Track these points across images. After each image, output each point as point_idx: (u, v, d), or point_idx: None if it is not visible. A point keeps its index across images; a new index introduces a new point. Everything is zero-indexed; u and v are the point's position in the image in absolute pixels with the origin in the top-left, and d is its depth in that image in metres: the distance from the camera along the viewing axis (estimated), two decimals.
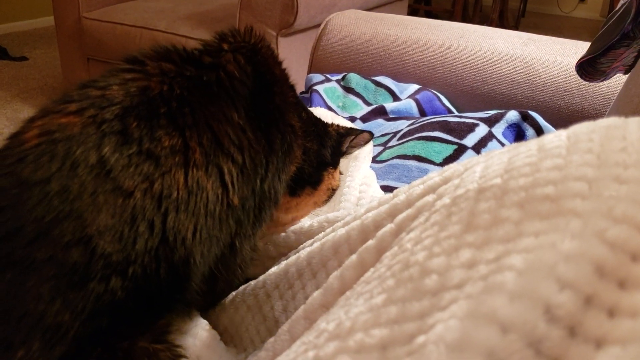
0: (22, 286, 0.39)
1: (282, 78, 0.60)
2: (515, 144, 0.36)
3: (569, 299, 0.22)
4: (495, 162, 0.33)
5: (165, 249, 0.44)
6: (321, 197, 0.70)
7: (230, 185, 0.49)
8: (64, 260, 0.40)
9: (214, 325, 0.57)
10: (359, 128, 0.89)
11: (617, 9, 0.65)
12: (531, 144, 0.33)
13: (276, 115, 0.56)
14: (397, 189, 0.44)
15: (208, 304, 0.60)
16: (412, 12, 3.70)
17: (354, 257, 0.40)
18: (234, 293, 0.58)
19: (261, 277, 0.56)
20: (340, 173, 0.74)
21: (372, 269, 0.36)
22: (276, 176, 0.57)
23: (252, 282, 0.57)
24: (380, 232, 0.39)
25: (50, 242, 0.40)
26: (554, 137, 0.31)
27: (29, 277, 0.39)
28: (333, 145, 0.68)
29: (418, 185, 0.41)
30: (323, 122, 0.70)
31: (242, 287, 0.58)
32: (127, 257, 0.42)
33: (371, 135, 0.74)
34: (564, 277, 0.22)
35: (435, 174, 0.40)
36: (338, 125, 0.71)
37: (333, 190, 0.71)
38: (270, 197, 0.57)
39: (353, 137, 0.70)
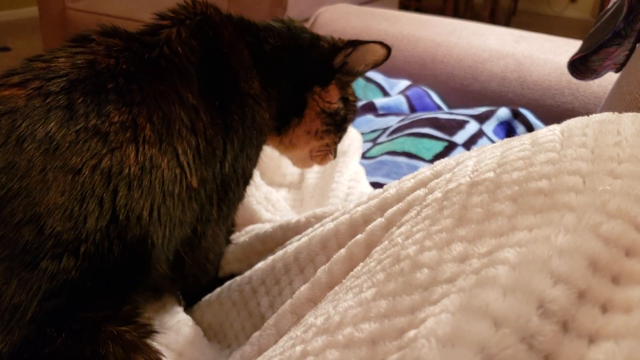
0: None
1: (233, 38, 0.57)
2: (507, 139, 0.35)
3: (563, 294, 0.21)
4: (487, 156, 0.33)
5: (117, 227, 0.43)
6: (314, 125, 0.62)
7: (186, 167, 0.48)
8: (16, 240, 0.39)
9: (198, 321, 0.56)
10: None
11: (608, 7, 0.65)
12: (524, 138, 0.32)
13: (231, 87, 0.54)
14: (387, 184, 0.44)
15: (189, 295, 0.58)
16: (403, 8, 3.70)
17: (342, 251, 0.39)
18: (219, 289, 0.57)
19: (247, 273, 0.55)
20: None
21: (361, 264, 0.35)
22: (242, 153, 0.54)
23: (238, 278, 0.56)
24: (369, 227, 0.38)
25: (0, 222, 0.39)
26: (548, 132, 0.31)
27: None
28: (319, 59, 0.60)
29: (409, 180, 0.40)
30: (314, 34, 0.63)
31: (228, 282, 0.57)
32: (78, 236, 0.41)
33: (386, 48, 0.61)
34: (558, 271, 0.22)
35: (426, 169, 0.40)
36: (339, 39, 0.63)
37: (329, 115, 0.62)
38: (237, 177, 0.55)
39: (350, 49, 0.60)
